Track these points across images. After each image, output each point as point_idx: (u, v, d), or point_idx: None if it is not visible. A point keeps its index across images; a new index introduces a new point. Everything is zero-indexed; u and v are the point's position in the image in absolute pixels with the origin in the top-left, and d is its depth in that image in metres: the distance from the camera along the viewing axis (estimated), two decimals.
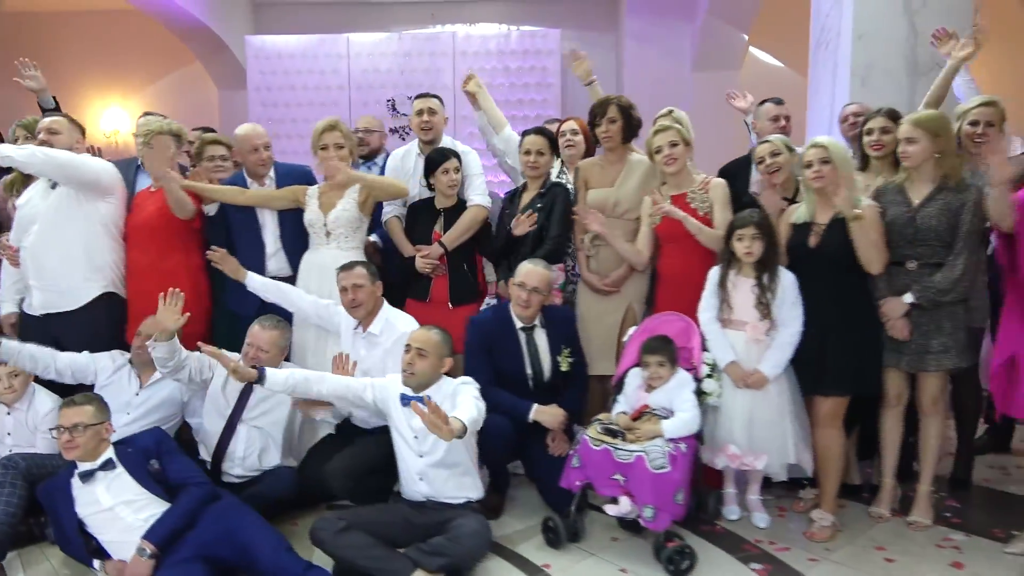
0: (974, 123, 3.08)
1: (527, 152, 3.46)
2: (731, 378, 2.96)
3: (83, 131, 3.54)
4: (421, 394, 2.68)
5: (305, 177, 3.65)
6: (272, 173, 3.60)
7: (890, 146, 3.05)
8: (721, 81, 7.43)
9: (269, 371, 2.75)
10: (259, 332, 3.07)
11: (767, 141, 3.22)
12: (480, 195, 3.57)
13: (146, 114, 3.88)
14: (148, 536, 2.51)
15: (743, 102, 4.10)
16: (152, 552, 2.49)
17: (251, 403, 3.07)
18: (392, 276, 3.52)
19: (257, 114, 7.32)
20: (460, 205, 3.55)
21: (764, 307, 2.92)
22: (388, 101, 7.34)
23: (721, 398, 2.98)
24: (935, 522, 3.00)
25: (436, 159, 3.49)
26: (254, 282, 3.32)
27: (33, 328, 3.36)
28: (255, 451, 3.06)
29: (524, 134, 3.51)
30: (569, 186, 3.55)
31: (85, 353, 3.21)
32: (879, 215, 2.88)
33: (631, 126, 3.42)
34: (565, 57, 3.99)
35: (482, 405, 2.70)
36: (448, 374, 2.83)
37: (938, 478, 3.42)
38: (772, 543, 2.89)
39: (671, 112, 3.68)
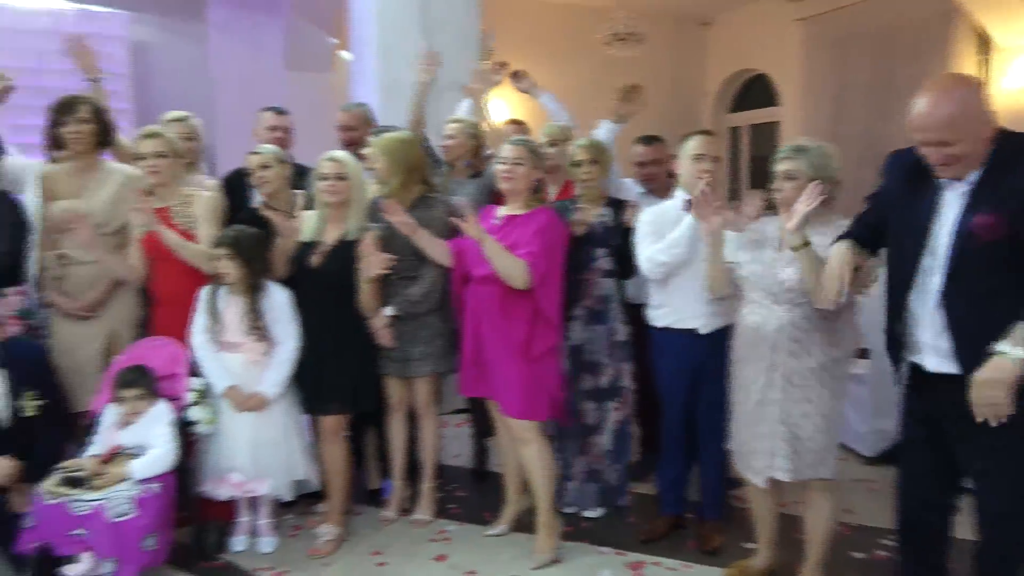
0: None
1: None
2: (231, 403, 2.82)
3: None
4: None
5: None
6: None
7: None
8: (314, 83, 7.38)
9: None
10: None
11: (257, 153, 3.13)
12: None
13: None
14: None
15: None
16: None
17: None
18: None
19: None
20: None
21: (257, 328, 2.83)
22: None
23: (216, 425, 2.83)
24: (437, 516, 3.20)
25: None
26: None
27: None
28: None
29: None
30: None
31: None
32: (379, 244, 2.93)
33: (105, 130, 3.08)
34: (69, 45, 3.47)
35: None
36: None
37: (461, 470, 3.71)
38: (272, 568, 2.82)
39: (182, 119, 3.45)
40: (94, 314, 2.99)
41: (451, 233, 2.93)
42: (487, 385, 2.83)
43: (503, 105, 7.60)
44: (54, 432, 2.78)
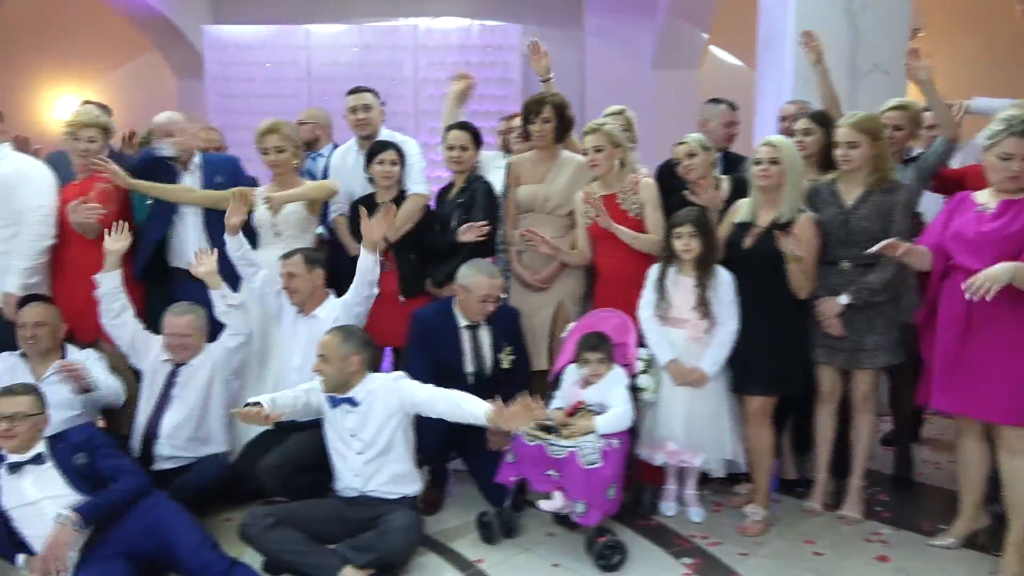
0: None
1: (450, 147, 3.48)
2: (672, 375, 2.98)
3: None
4: (348, 395, 2.69)
5: (234, 168, 3.63)
6: (198, 162, 3.57)
7: (811, 147, 3.13)
8: (681, 80, 7.52)
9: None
10: (174, 320, 3.12)
11: (684, 142, 3.26)
12: (417, 184, 3.56)
13: (85, 103, 3.82)
14: (75, 509, 2.47)
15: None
16: (75, 521, 2.43)
17: (181, 379, 3.14)
18: (343, 270, 3.50)
19: (215, 105, 7.24)
20: (402, 197, 3.54)
21: (703, 306, 2.94)
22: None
23: (658, 394, 3.01)
24: (866, 516, 3.05)
25: (371, 152, 3.51)
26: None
27: None
28: (185, 431, 3.09)
29: (448, 129, 3.52)
30: None
31: None
32: (816, 227, 2.91)
33: (564, 125, 3.43)
34: (530, 48, 3.86)
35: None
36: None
37: (877, 474, 3.50)
38: (705, 538, 2.92)
39: (617, 112, 3.70)
40: (547, 286, 3.37)
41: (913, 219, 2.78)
42: (963, 396, 2.57)
43: None
44: (520, 384, 3.20)
